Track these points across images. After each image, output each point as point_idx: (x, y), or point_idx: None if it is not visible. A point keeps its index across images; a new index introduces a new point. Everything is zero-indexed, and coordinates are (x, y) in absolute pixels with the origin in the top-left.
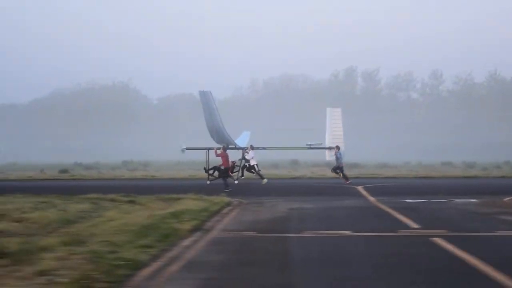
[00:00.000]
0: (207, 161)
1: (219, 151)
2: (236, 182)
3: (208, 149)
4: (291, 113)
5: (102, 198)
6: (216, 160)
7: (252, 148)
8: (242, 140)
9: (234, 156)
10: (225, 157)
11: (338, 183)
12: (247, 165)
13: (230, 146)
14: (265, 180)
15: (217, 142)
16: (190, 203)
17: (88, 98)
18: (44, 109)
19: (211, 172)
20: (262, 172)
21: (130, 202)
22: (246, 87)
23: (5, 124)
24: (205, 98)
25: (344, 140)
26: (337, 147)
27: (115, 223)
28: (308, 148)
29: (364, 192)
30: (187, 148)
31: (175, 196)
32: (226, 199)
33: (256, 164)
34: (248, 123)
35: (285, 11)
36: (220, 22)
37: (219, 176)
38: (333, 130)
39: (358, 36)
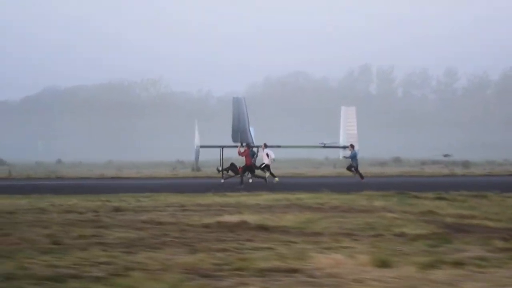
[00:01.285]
0: (221, 160)
1: (242, 150)
2: (250, 181)
3: (222, 147)
4: (304, 111)
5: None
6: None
7: (265, 146)
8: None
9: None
10: (248, 155)
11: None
12: (264, 163)
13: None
14: (250, 180)
15: (233, 141)
16: None
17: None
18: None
19: (225, 170)
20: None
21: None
22: (259, 84)
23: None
24: (238, 103)
25: (358, 139)
26: (352, 146)
27: None
28: (323, 147)
29: None
30: (201, 146)
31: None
32: None
33: (267, 164)
34: (261, 121)
35: (298, 9)
36: (236, 23)
37: (242, 173)
38: (348, 128)
39: (372, 34)
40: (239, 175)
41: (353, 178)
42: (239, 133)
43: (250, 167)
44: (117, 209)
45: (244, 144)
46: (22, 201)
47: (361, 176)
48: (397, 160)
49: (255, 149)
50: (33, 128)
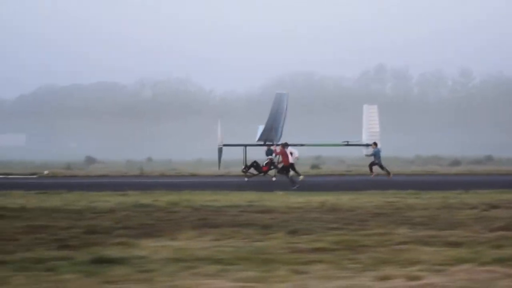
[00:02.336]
0: (244, 159)
1: (278, 149)
2: (274, 179)
3: (246, 145)
4: (320, 111)
5: None
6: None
7: (287, 145)
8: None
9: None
10: (285, 154)
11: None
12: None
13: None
14: (274, 178)
15: (261, 139)
16: None
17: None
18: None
19: (248, 169)
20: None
21: None
22: (271, 85)
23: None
24: (280, 99)
25: (380, 137)
26: (375, 144)
27: None
28: (346, 145)
29: None
30: (224, 145)
31: None
32: None
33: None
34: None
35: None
36: (246, 22)
37: (280, 173)
38: (370, 127)
39: (384, 32)
40: (262, 174)
41: (371, 177)
42: (271, 131)
43: (287, 167)
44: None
45: (278, 144)
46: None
47: (388, 173)
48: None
49: (272, 148)
50: (120, 129)
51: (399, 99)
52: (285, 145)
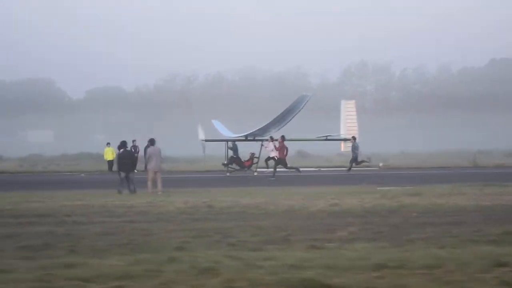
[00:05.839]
0: (226, 154)
1: (271, 144)
2: (255, 174)
3: (227, 141)
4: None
5: None
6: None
7: (272, 139)
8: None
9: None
10: (284, 148)
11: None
12: (269, 156)
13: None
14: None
15: (261, 132)
16: None
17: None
18: None
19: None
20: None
21: None
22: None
23: None
24: (301, 100)
25: (358, 132)
26: (353, 138)
27: None
28: (325, 140)
29: None
30: (206, 140)
31: None
32: None
33: (276, 157)
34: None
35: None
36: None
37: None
38: (348, 122)
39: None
40: (245, 169)
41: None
42: (270, 127)
43: (284, 160)
44: None
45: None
46: None
47: (350, 168)
48: None
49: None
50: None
51: None
52: (272, 138)
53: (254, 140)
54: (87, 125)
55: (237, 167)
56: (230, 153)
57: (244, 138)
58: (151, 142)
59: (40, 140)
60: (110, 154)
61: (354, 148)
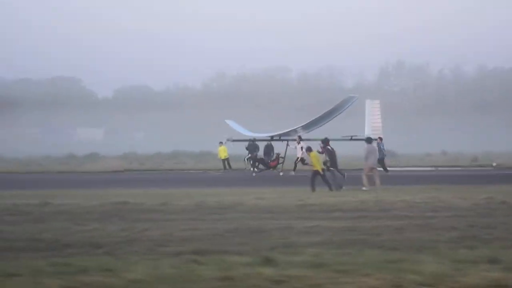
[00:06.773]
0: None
1: (303, 148)
2: (281, 174)
3: (254, 140)
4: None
5: None
6: None
7: (300, 139)
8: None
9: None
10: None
11: None
12: (298, 158)
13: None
14: (292, 173)
15: (305, 129)
16: None
17: None
18: None
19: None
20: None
21: None
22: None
23: None
24: (346, 101)
25: (383, 132)
26: (380, 138)
27: None
28: (350, 140)
29: None
30: (233, 140)
31: None
32: None
33: (301, 158)
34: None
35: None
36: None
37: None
38: (372, 122)
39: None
40: (271, 169)
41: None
42: (308, 127)
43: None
44: None
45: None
46: None
47: (386, 169)
48: None
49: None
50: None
51: None
52: (300, 138)
53: (280, 139)
54: (127, 123)
55: (263, 167)
56: (260, 153)
57: (270, 138)
58: (325, 142)
59: (90, 138)
60: (223, 152)
61: (381, 149)
